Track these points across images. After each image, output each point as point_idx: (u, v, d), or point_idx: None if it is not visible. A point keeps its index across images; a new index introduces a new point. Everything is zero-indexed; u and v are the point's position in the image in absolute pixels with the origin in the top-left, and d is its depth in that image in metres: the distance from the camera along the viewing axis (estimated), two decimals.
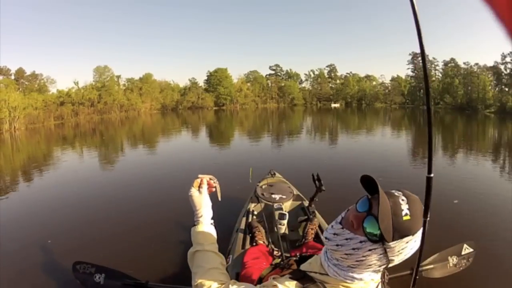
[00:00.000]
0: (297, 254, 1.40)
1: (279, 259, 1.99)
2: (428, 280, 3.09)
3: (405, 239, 0.87)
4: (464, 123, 29.62)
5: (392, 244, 0.87)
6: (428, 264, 3.09)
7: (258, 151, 14.53)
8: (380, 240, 0.88)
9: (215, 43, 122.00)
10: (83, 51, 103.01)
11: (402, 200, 0.89)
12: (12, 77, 52.76)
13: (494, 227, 4.97)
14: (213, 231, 1.32)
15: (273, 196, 4.20)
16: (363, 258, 0.91)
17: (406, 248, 0.88)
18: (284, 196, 4.22)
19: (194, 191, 1.34)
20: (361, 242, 0.90)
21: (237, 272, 2.50)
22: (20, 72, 54.41)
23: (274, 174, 5.29)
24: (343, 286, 0.97)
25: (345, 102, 73.76)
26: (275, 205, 3.87)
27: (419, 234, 0.87)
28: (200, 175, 1.37)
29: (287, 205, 4.12)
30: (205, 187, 1.35)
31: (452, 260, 3.15)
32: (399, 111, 49.57)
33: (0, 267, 4.28)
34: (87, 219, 5.99)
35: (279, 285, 0.97)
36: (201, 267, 1.20)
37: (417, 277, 0.95)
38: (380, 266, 0.93)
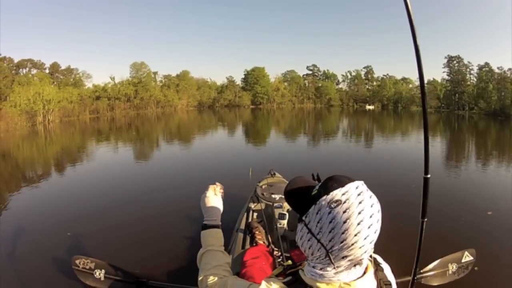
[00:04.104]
0: None
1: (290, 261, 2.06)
2: None
3: (311, 210, 0.87)
4: (497, 129, 28.43)
5: (306, 218, 0.89)
6: (429, 270, 2.99)
7: (259, 151, 14.93)
8: (300, 219, 0.92)
9: (252, 41, 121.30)
10: (120, 48, 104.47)
11: (319, 182, 0.93)
12: (47, 71, 54.16)
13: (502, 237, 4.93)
14: (221, 234, 1.38)
15: (273, 196, 4.19)
16: (301, 241, 0.92)
17: (322, 219, 0.84)
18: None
19: (211, 193, 1.42)
20: (298, 225, 0.94)
21: (237, 272, 2.46)
22: (54, 66, 55.72)
23: (274, 174, 5.29)
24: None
25: (382, 104, 72.34)
26: (275, 205, 3.89)
27: (325, 204, 0.84)
28: (217, 183, 1.48)
29: (287, 205, 3.95)
30: (220, 192, 1.45)
31: (452, 267, 3.05)
32: (434, 116, 48.01)
33: (9, 255, 4.50)
34: (100, 213, 6.19)
35: (263, 282, 0.96)
36: (208, 263, 1.26)
37: (415, 278, 0.99)
38: (319, 250, 0.87)
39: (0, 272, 4.08)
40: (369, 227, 0.81)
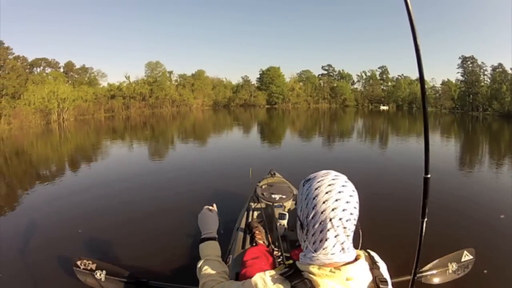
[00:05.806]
0: None
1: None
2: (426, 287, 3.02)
3: (300, 188, 1.00)
4: (510, 131, 27.86)
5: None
6: (429, 269, 3.00)
7: (259, 151, 14.89)
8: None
9: (267, 41, 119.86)
10: (135, 47, 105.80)
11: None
12: (61, 70, 54.17)
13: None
14: (218, 245, 1.48)
15: (273, 196, 4.21)
16: (298, 233, 1.02)
17: (300, 198, 0.97)
18: (284, 196, 4.22)
19: (206, 211, 1.58)
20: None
21: (237, 272, 2.53)
22: (69, 65, 55.62)
23: (274, 174, 5.32)
24: (309, 272, 0.96)
25: (396, 105, 71.47)
26: (275, 205, 3.92)
27: (301, 184, 1.00)
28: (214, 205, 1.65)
29: (287, 205, 4.07)
30: (215, 210, 1.61)
31: (452, 266, 3.05)
32: (448, 117, 47.64)
33: (13, 253, 4.56)
34: (104, 212, 6.28)
35: (255, 276, 1.01)
36: (206, 271, 1.33)
37: (415, 277, 1.02)
38: (300, 227, 0.99)
39: (2, 271, 4.10)
40: (337, 200, 0.90)
